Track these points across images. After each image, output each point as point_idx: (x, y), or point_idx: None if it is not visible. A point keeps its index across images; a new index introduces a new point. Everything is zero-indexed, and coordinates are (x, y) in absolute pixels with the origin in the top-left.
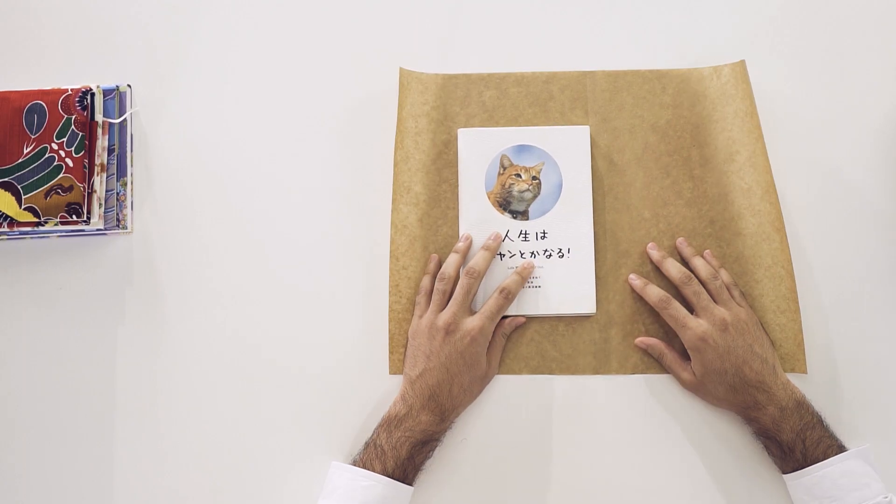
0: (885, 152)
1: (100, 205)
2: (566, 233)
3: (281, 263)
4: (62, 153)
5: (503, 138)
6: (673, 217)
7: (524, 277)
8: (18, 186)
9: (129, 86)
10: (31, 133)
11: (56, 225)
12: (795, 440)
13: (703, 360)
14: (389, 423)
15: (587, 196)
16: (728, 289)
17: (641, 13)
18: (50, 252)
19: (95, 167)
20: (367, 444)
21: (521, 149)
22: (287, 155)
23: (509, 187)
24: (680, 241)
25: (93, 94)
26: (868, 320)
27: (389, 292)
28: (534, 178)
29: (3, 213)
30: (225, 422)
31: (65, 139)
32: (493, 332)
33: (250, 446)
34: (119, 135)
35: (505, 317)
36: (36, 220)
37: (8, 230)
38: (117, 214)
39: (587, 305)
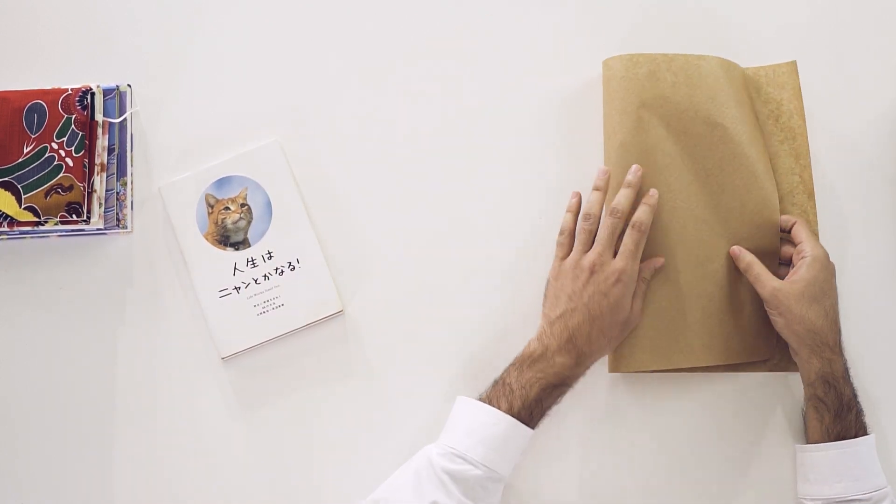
0: (886, 152)
1: (100, 204)
2: (289, 246)
3: None
4: (62, 153)
5: (201, 178)
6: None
7: (652, 206)
8: (18, 186)
9: (129, 86)
10: (31, 133)
11: (56, 224)
12: (853, 401)
13: (818, 273)
14: (522, 363)
15: (298, 205)
16: None
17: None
18: (50, 252)
19: (95, 167)
20: (495, 382)
21: (221, 182)
22: (289, 154)
23: (222, 223)
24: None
25: (93, 94)
26: (869, 321)
27: None
28: (242, 205)
29: (3, 213)
30: (225, 421)
31: (65, 139)
32: (638, 279)
33: (251, 446)
34: (119, 134)
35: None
36: (36, 219)
37: (8, 230)
38: (117, 214)
39: (332, 307)
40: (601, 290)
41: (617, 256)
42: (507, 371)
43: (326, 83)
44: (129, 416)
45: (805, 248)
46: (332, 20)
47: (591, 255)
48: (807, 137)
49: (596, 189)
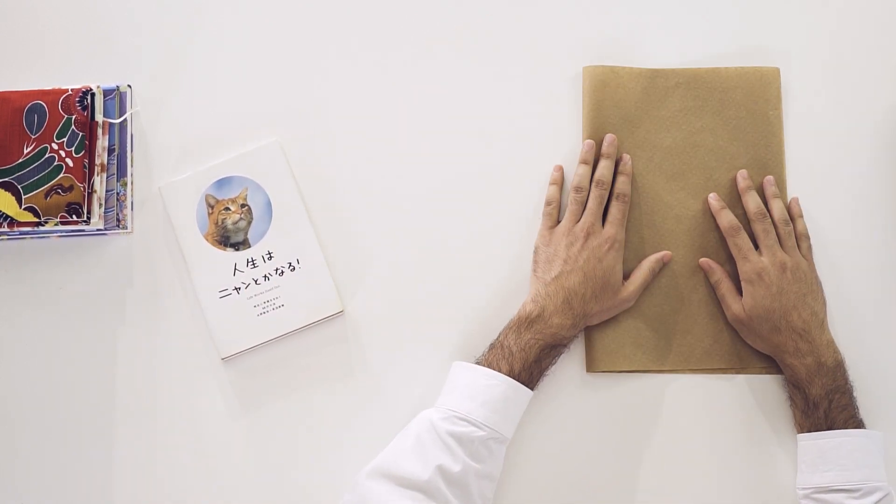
0: (885, 151)
1: (100, 205)
2: (289, 246)
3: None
4: (62, 153)
5: (201, 179)
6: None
7: (628, 174)
8: (18, 186)
9: (129, 86)
10: (32, 133)
11: (56, 225)
12: (823, 398)
13: (755, 295)
14: (519, 325)
15: (298, 205)
16: (798, 239)
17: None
18: (50, 252)
19: (95, 167)
20: (492, 346)
21: (221, 183)
22: (289, 154)
23: (223, 223)
24: (768, 178)
25: (93, 94)
26: (867, 320)
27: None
28: (242, 205)
29: (3, 213)
30: (225, 422)
31: (65, 139)
32: (642, 264)
33: (251, 446)
34: (119, 135)
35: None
36: (36, 220)
37: (8, 230)
38: (117, 214)
39: (332, 307)
40: (596, 255)
41: (606, 225)
42: (503, 334)
43: (326, 83)
44: (129, 416)
45: (739, 271)
46: (332, 20)
47: (584, 223)
48: (783, 144)
49: (584, 163)
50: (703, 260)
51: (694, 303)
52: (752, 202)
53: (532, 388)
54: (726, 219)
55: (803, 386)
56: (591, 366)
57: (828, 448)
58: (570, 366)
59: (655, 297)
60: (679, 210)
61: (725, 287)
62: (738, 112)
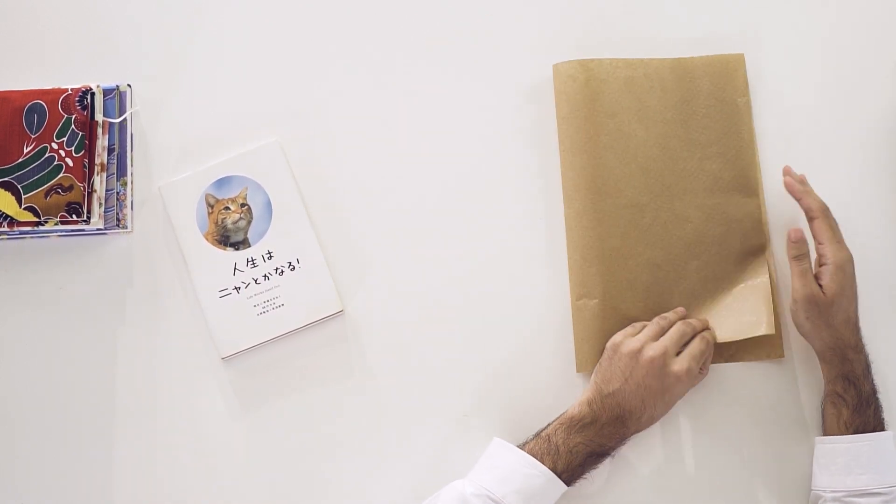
0: (884, 150)
1: (100, 204)
2: (289, 246)
3: None
4: (62, 153)
5: (201, 178)
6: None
7: (710, 341)
8: (18, 186)
9: (129, 86)
10: (31, 133)
11: (56, 224)
12: (872, 396)
13: (843, 283)
14: (571, 426)
15: (298, 205)
16: None
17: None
18: (50, 252)
19: (95, 167)
20: (538, 435)
21: (221, 182)
22: (289, 154)
23: (222, 222)
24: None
25: (93, 94)
26: (865, 319)
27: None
28: (242, 204)
29: (3, 213)
30: (225, 421)
31: (65, 139)
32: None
33: (251, 446)
34: (119, 134)
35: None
36: (36, 219)
37: (8, 230)
38: (117, 214)
39: (332, 307)
40: (661, 386)
41: (683, 356)
42: (553, 429)
43: (326, 83)
44: (129, 416)
45: (826, 253)
46: (331, 20)
47: (658, 348)
48: (753, 131)
49: (676, 314)
50: (792, 229)
51: (676, 295)
52: (818, 197)
53: (569, 486)
54: (815, 201)
55: (860, 383)
56: (582, 367)
57: (865, 450)
58: (559, 366)
59: (638, 295)
60: (656, 203)
61: (808, 264)
62: (707, 101)
